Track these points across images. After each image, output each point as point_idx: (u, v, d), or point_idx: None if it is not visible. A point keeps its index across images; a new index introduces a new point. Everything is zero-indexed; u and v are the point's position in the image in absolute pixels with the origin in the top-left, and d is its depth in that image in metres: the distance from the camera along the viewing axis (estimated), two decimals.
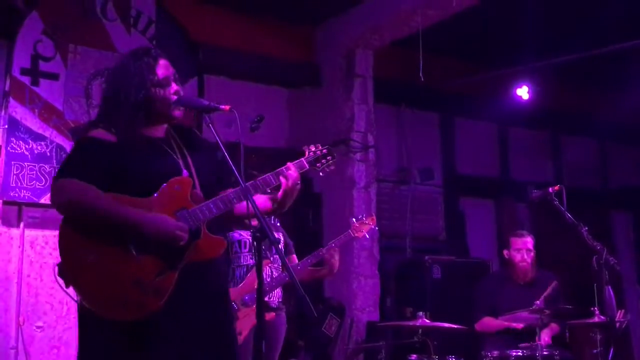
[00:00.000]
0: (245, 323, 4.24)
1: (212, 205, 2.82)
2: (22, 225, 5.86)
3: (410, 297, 6.80)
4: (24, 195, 5.81)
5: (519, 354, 4.78)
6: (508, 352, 4.84)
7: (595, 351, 4.76)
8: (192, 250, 2.76)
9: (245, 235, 4.44)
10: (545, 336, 5.11)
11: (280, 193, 2.97)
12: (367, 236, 4.73)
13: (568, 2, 6.72)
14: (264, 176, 2.95)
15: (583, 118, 9.07)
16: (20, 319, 5.71)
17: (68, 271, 2.66)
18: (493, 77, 7.99)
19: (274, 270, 4.47)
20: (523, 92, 7.75)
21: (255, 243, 2.65)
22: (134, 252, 2.66)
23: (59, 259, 2.68)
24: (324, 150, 3.15)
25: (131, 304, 2.62)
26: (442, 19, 6.59)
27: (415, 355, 4.91)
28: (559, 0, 6.60)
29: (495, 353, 4.88)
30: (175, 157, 2.88)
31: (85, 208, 2.67)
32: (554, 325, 5.31)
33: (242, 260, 4.42)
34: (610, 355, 4.72)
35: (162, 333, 2.66)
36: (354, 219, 4.71)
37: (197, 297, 2.77)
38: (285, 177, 2.94)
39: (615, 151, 10.04)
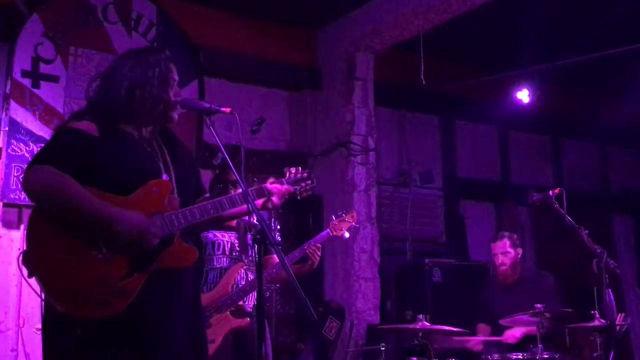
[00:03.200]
0: (218, 330, 4.05)
1: (188, 213, 2.76)
2: (22, 227, 5.86)
3: (411, 300, 6.80)
4: (24, 198, 5.79)
5: (519, 357, 4.79)
6: (508, 355, 4.85)
7: (595, 355, 4.75)
8: (163, 257, 2.70)
9: (220, 237, 4.27)
10: (516, 332, 5.16)
11: (275, 198, 3.00)
12: (347, 235, 4.43)
13: (569, 6, 6.73)
14: (244, 190, 2.81)
15: (583, 121, 9.07)
16: (20, 321, 5.71)
17: (32, 260, 2.58)
18: (494, 81, 7.99)
19: (249, 273, 4.27)
20: (523, 95, 7.75)
21: (255, 246, 2.63)
22: (103, 250, 2.59)
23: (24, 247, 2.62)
24: (304, 174, 3.14)
25: (94, 302, 2.55)
26: (442, 22, 6.59)
27: (415, 358, 4.91)
28: (559, 4, 6.60)
29: (496, 356, 4.89)
30: (157, 159, 2.84)
31: (57, 196, 2.59)
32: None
33: (215, 263, 4.23)
34: (611, 359, 4.71)
35: (126, 335, 2.60)
36: (333, 217, 4.43)
37: (165, 303, 2.71)
38: (270, 193, 2.99)
39: (615, 155, 10.04)
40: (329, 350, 6.55)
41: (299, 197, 3.14)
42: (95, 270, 2.58)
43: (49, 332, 2.66)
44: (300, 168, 3.16)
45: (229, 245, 4.30)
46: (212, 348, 3.94)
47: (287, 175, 3.11)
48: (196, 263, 2.87)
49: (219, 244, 4.28)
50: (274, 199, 2.99)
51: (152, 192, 2.73)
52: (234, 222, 4.15)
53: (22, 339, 5.69)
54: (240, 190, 2.89)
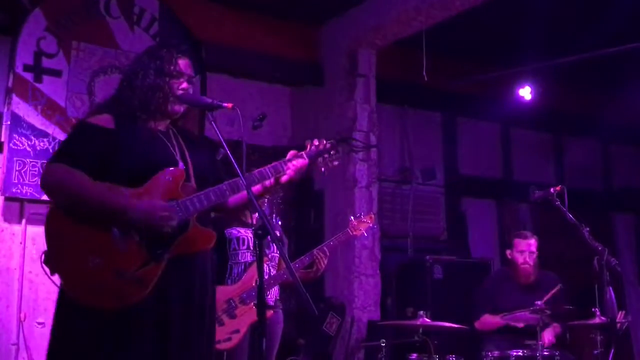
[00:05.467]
0: (243, 321, 4.21)
1: (203, 197, 2.78)
2: (24, 221, 5.87)
3: (411, 297, 6.80)
4: (26, 192, 5.82)
5: (519, 354, 4.79)
6: (508, 352, 4.84)
7: (595, 352, 4.76)
8: (179, 242, 2.72)
9: (244, 233, 4.39)
10: (548, 335, 5.11)
11: (284, 179, 2.97)
12: (366, 234, 4.70)
13: (571, 3, 6.72)
14: (261, 169, 2.93)
15: (586, 119, 9.07)
16: (22, 315, 5.72)
17: (52, 258, 2.64)
18: (496, 78, 7.98)
19: (271, 268, 4.44)
20: (525, 92, 7.75)
21: (256, 241, 2.62)
22: (119, 240, 2.63)
23: (45, 247, 2.67)
24: (327, 145, 3.08)
25: (112, 293, 2.60)
26: (445, 18, 6.58)
27: (415, 355, 4.92)
28: (562, 1, 6.59)
29: (496, 353, 4.89)
30: (172, 149, 2.87)
31: (69, 193, 2.67)
32: (556, 325, 5.30)
33: (240, 258, 4.37)
34: (611, 356, 4.72)
35: (145, 324, 2.63)
36: (352, 217, 4.68)
37: (183, 290, 2.74)
38: (282, 172, 2.95)
39: (618, 152, 10.03)
40: (329, 346, 6.56)
41: (322, 169, 3.09)
42: (112, 261, 2.62)
43: (63, 323, 2.69)
44: (323, 140, 3.09)
45: (252, 241, 4.40)
46: (236, 338, 4.15)
47: (308, 147, 3.06)
48: (213, 248, 2.89)
49: (243, 239, 4.40)
50: (289, 172, 2.96)
51: (165, 180, 2.76)
52: (255, 219, 4.21)
53: (24, 333, 5.70)
54: (260, 169, 2.92)
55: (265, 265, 4.40)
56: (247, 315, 4.22)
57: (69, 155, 2.72)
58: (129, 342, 2.60)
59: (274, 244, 4.36)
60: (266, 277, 4.35)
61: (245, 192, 2.88)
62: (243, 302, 4.26)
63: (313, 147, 3.06)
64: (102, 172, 2.71)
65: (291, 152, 3.02)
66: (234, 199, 3.01)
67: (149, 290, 2.62)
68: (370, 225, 4.67)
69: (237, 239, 4.40)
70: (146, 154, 2.78)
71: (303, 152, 3.04)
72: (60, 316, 2.71)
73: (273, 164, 2.96)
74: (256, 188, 2.99)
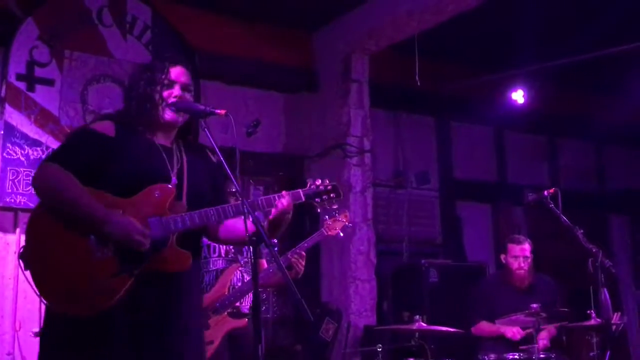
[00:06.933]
0: (216, 331, 4.07)
1: (187, 218, 2.76)
2: (18, 231, 5.85)
3: (407, 301, 6.80)
4: (19, 201, 5.80)
5: (516, 357, 4.79)
6: (505, 355, 4.85)
7: (591, 354, 4.77)
8: (153, 259, 2.71)
9: None
10: (543, 339, 5.12)
11: (266, 222, 2.89)
12: (342, 234, 4.53)
13: (564, 6, 6.74)
14: (253, 200, 2.86)
15: (579, 121, 9.10)
16: (17, 324, 5.70)
17: (28, 254, 2.67)
18: (489, 81, 8.01)
19: (245, 275, 4.32)
20: (518, 96, 7.77)
21: (251, 248, 2.61)
22: (94, 248, 2.64)
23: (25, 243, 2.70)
24: (329, 187, 2.97)
25: (79, 299, 2.61)
26: (437, 23, 6.60)
27: (412, 359, 4.91)
28: (555, 4, 6.62)
29: (492, 356, 4.89)
30: (169, 164, 2.86)
31: (55, 193, 2.69)
32: (551, 328, 5.31)
33: (211, 266, 4.25)
34: (607, 358, 4.72)
35: (115, 333, 2.63)
36: (327, 217, 4.48)
37: (154, 306, 2.71)
38: (275, 206, 2.83)
39: (612, 154, 10.06)
40: (325, 352, 6.56)
41: (319, 210, 3.01)
42: (85, 267, 2.64)
43: (42, 329, 2.76)
44: (327, 180, 2.99)
45: (224, 247, 4.31)
46: (211, 349, 3.97)
47: (308, 185, 2.97)
48: (194, 269, 2.85)
49: (214, 247, 4.30)
50: (273, 211, 2.85)
51: (153, 195, 2.76)
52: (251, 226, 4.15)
53: (19, 343, 5.68)
54: (253, 200, 2.84)
55: (238, 272, 4.30)
56: (221, 325, 4.10)
57: (64, 157, 2.75)
58: (104, 347, 2.61)
59: (247, 248, 4.27)
60: (239, 284, 4.26)
61: (239, 227, 2.86)
62: (216, 311, 4.13)
63: (313, 187, 2.96)
64: (94, 178, 2.72)
65: (284, 192, 2.88)
66: (226, 232, 3.00)
67: (115, 299, 2.62)
68: (346, 223, 4.52)
69: (208, 246, 4.27)
70: (139, 165, 2.78)
71: (300, 190, 2.94)
72: (45, 322, 2.75)
73: (267, 196, 2.88)
74: (242, 232, 2.83)
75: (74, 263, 2.64)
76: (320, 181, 2.97)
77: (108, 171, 2.74)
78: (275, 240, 4.54)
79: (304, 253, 4.36)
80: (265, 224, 2.88)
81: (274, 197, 2.88)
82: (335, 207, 3.02)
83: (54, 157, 2.78)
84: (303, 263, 4.35)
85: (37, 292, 2.65)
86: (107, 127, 2.81)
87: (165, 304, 2.73)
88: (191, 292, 2.88)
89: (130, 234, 2.64)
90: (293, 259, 4.31)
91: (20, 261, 2.67)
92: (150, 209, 2.74)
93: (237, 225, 2.96)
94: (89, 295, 2.62)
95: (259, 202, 2.87)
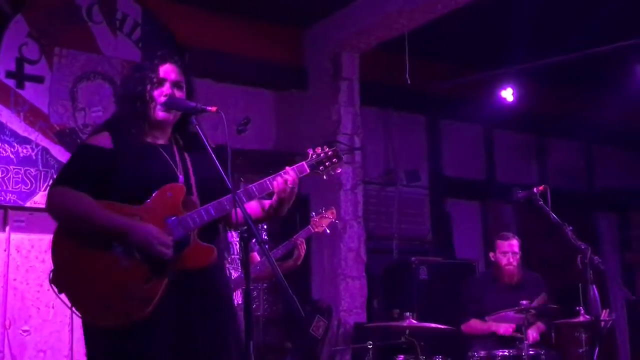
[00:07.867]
0: None
1: (203, 212, 2.77)
2: (7, 229, 5.83)
3: (397, 298, 6.81)
4: (9, 199, 5.79)
5: (505, 353, 4.82)
6: (494, 352, 4.87)
7: (580, 350, 4.80)
8: (179, 259, 2.72)
9: None
10: (533, 333, 5.14)
11: (274, 198, 2.90)
12: (328, 231, 4.59)
13: (553, 5, 6.77)
14: (260, 182, 2.87)
15: (568, 120, 9.13)
16: (6, 322, 5.69)
17: (59, 279, 2.69)
18: (478, 80, 8.03)
19: (232, 271, 4.33)
20: (508, 94, 7.80)
21: (242, 243, 2.61)
22: (121, 257, 2.66)
23: (52, 266, 2.71)
24: (329, 152, 3.00)
25: (117, 312, 2.63)
26: (427, 21, 6.62)
27: (402, 356, 4.93)
28: (544, 3, 6.64)
29: (482, 353, 4.92)
30: (173, 163, 2.86)
31: (73, 215, 2.72)
32: (540, 324, 5.34)
33: None
34: (596, 355, 4.75)
35: (151, 340, 2.65)
36: (313, 213, 4.57)
37: (189, 305, 2.74)
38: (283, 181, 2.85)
39: (600, 153, 10.11)
40: (316, 349, 6.57)
41: (324, 177, 3.02)
42: (116, 277, 2.66)
43: (86, 349, 2.77)
44: (326, 146, 3.02)
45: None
46: None
47: (310, 155, 2.99)
48: (218, 260, 2.86)
49: None
50: (276, 189, 2.87)
51: (166, 196, 2.76)
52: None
53: (9, 341, 5.67)
54: (259, 182, 2.86)
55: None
56: None
57: (71, 178, 2.76)
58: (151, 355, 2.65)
59: (233, 246, 4.27)
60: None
61: (252, 204, 2.91)
62: None
63: (314, 156, 2.98)
64: (104, 192, 2.73)
65: (287, 168, 2.91)
66: (237, 216, 2.98)
67: (151, 307, 2.64)
68: (332, 220, 4.57)
69: None
70: (145, 170, 2.78)
71: (303, 162, 2.97)
72: (85, 337, 2.77)
73: (259, 181, 2.89)
74: (255, 211, 2.96)
75: (104, 275, 2.66)
76: (320, 149, 3.00)
77: (115, 183, 2.75)
78: (266, 237, 4.56)
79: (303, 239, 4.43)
80: (274, 199, 2.89)
81: (266, 181, 2.86)
82: (339, 170, 3.03)
83: (61, 179, 2.80)
84: (304, 247, 4.46)
85: (78, 313, 2.67)
86: (104, 140, 2.81)
87: (201, 302, 2.77)
88: (220, 282, 2.91)
89: (151, 244, 2.66)
90: (298, 242, 4.38)
91: (53, 286, 2.68)
92: (166, 210, 2.75)
93: (249, 207, 2.93)
94: (123, 304, 2.63)
95: (253, 188, 2.85)
